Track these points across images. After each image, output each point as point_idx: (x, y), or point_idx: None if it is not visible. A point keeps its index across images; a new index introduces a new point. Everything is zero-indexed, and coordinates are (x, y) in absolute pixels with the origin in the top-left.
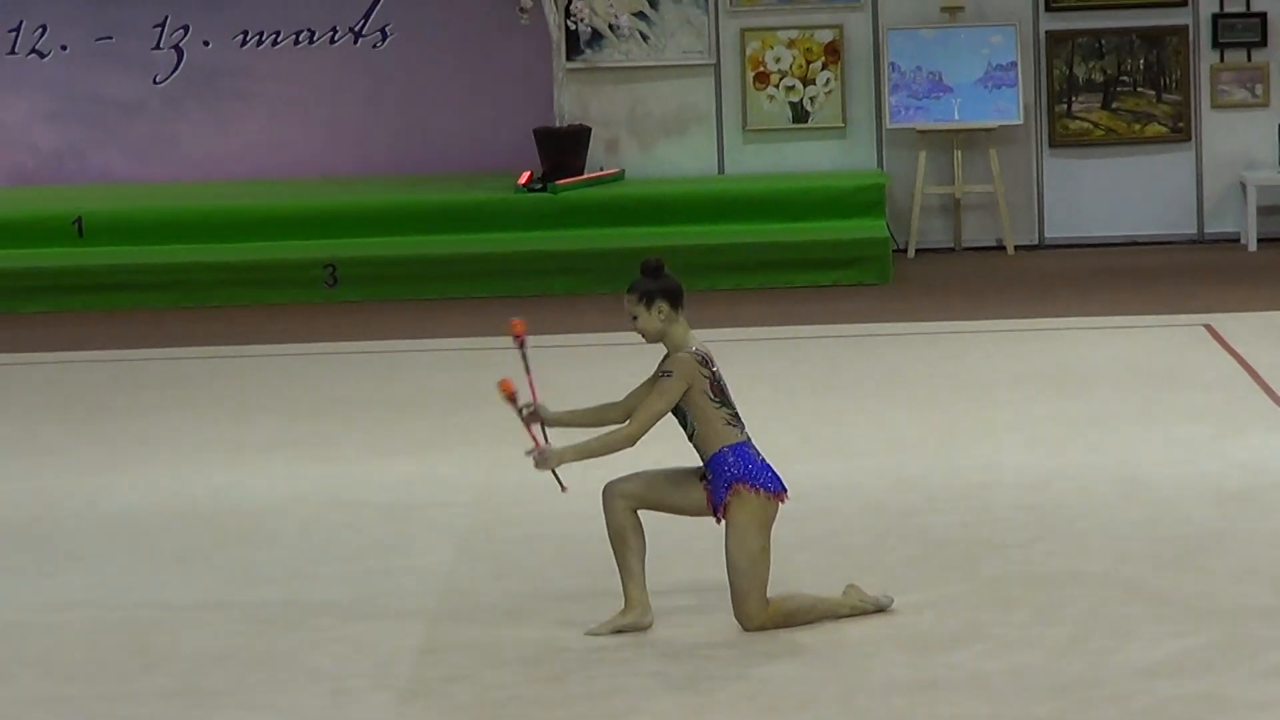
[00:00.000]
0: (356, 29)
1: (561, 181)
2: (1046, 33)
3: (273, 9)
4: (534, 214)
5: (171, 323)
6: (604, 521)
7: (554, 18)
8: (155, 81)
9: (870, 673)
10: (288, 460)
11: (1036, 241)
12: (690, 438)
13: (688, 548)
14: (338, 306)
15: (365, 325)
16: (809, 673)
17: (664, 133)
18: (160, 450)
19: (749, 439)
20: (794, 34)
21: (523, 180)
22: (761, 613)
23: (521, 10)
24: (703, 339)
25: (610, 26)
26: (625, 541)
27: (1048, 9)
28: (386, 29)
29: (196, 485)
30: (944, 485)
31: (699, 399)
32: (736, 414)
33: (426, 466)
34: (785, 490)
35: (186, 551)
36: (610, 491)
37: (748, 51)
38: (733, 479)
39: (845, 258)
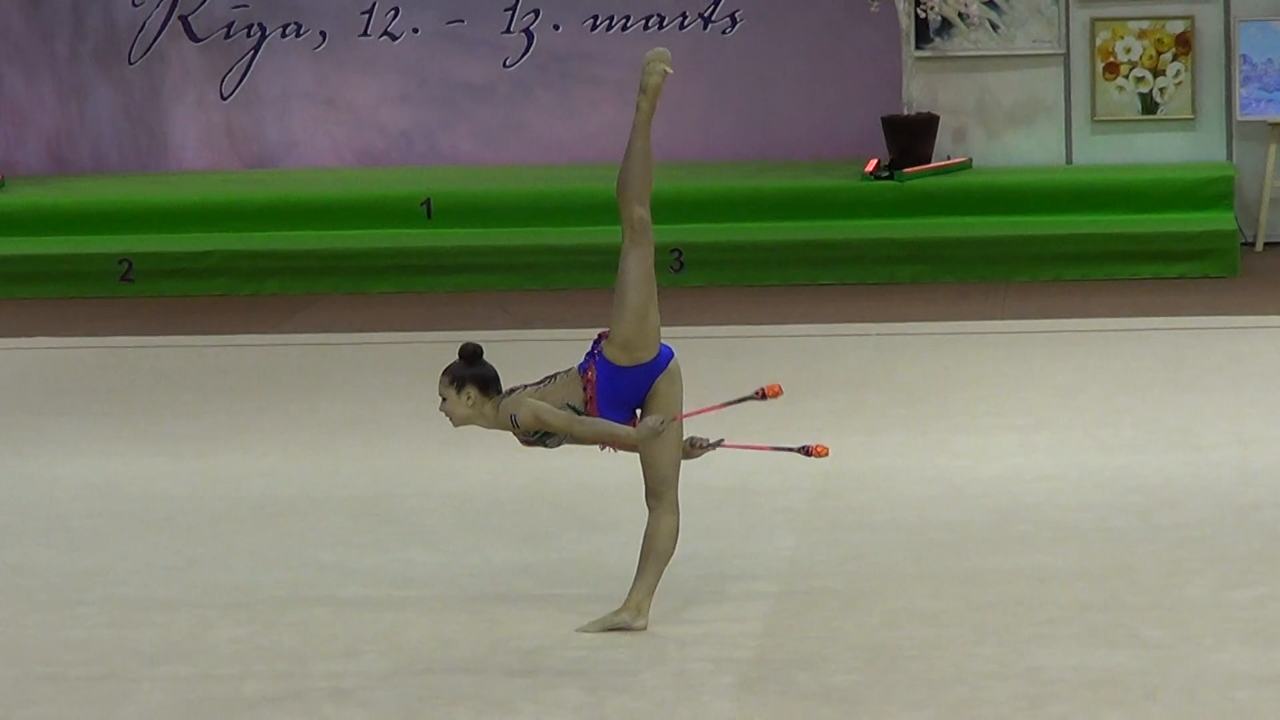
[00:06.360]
0: (706, 15)
1: (908, 170)
2: None
3: None
4: (880, 202)
5: (518, 304)
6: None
7: (903, 5)
8: (505, 65)
9: (1214, 666)
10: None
11: None
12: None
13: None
14: (684, 291)
15: (708, 310)
16: (1152, 665)
17: (1012, 122)
18: None
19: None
20: (1145, 25)
21: (869, 168)
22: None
23: None
24: (1045, 328)
25: (960, 15)
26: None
27: None
28: (736, 15)
29: (543, 467)
30: None
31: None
32: (548, 376)
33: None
34: None
35: (531, 533)
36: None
37: (1097, 42)
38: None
39: (1192, 250)
